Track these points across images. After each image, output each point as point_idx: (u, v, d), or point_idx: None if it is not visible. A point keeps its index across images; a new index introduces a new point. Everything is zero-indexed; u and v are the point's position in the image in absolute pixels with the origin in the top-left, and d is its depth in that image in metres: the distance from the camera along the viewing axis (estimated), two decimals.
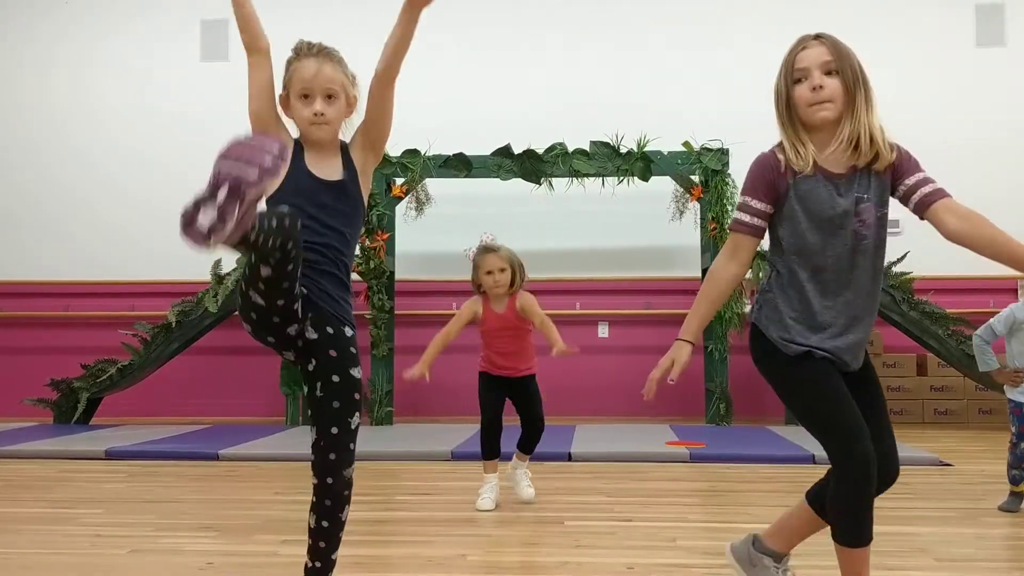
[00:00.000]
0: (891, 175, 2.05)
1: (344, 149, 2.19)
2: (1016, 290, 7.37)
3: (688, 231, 6.95)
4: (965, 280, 7.22)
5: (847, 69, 1.98)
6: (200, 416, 7.40)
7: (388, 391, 6.63)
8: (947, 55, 7.56)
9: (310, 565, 2.13)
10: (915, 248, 6.70)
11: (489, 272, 3.55)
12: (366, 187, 2.22)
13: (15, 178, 8.00)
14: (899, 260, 6.47)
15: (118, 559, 2.84)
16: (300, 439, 5.47)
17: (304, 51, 2.13)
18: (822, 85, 1.95)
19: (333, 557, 2.13)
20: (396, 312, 6.91)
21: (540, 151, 6.65)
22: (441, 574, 2.64)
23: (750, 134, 6.98)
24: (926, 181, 2.05)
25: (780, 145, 2.04)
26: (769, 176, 2.03)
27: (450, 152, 6.68)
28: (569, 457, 4.98)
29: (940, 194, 2.03)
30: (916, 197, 2.03)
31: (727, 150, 6.60)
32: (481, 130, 7.04)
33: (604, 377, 7.42)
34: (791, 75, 2.01)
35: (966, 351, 6.24)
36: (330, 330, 2.06)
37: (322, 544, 2.10)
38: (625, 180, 6.69)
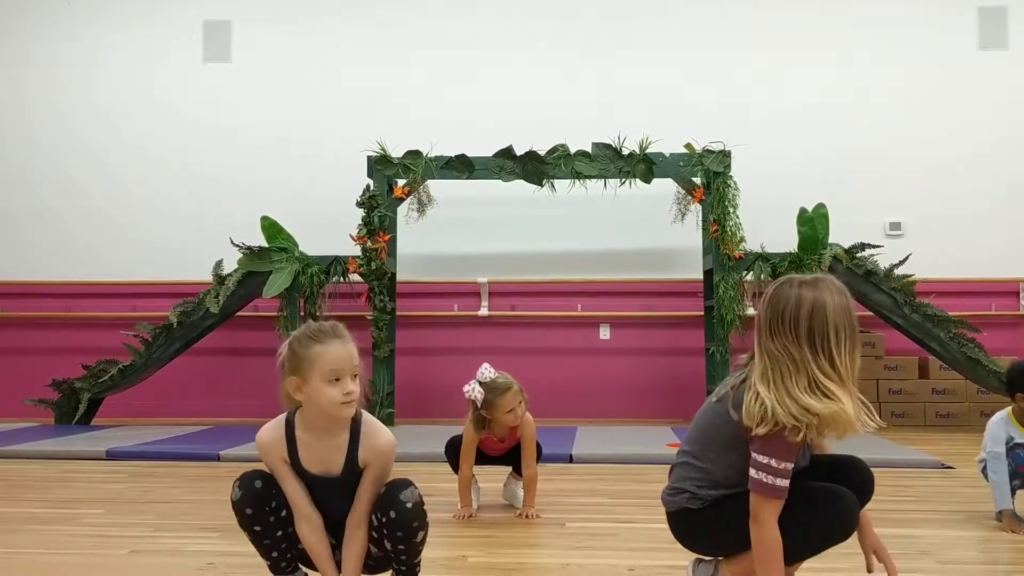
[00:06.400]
0: None
1: (355, 431, 2.23)
2: (1018, 293, 7.36)
3: (690, 233, 6.95)
4: (967, 283, 7.23)
5: None
6: (201, 417, 7.40)
7: (389, 392, 6.62)
8: (949, 58, 7.56)
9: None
10: (917, 251, 6.72)
11: (510, 411, 3.42)
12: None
13: (17, 178, 8.01)
14: (901, 263, 6.46)
15: (118, 559, 2.84)
16: None
17: (327, 334, 2.16)
18: None
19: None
20: (397, 313, 6.91)
21: (542, 153, 6.65)
22: (442, 575, 2.64)
23: (752, 136, 7.05)
24: None
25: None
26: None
27: (452, 154, 6.68)
28: (570, 459, 4.97)
29: None
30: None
31: (729, 152, 6.59)
32: (483, 132, 7.05)
33: (605, 379, 7.42)
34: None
35: (968, 354, 6.23)
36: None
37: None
38: (627, 182, 6.70)
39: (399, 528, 2.15)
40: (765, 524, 1.98)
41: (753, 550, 2.01)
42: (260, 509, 2.19)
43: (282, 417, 2.23)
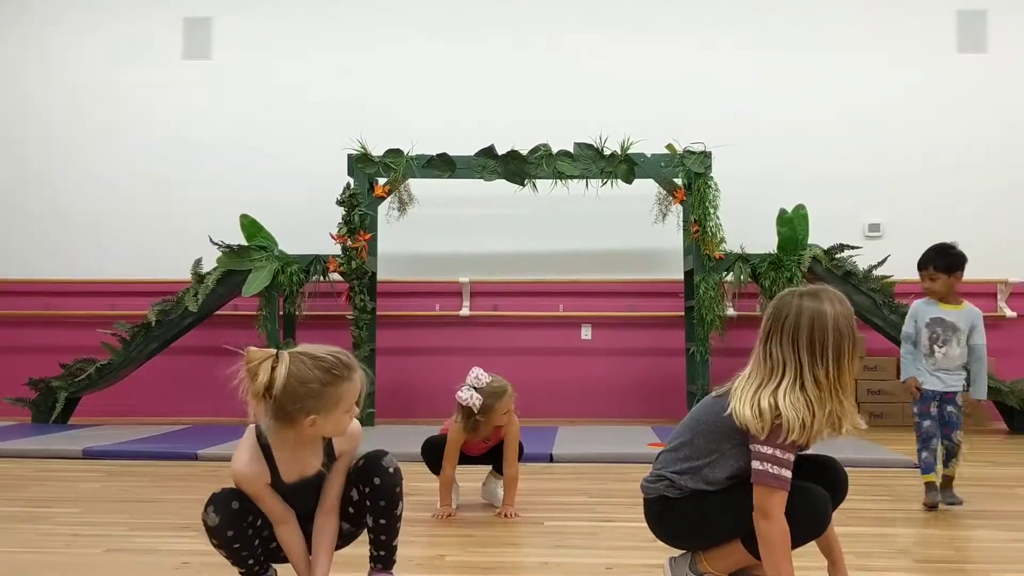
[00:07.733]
0: None
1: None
2: (995, 294, 7.43)
3: (671, 234, 6.96)
4: None
5: None
6: (179, 416, 7.35)
7: (370, 393, 6.60)
8: (929, 61, 7.62)
9: (374, 554, 2.26)
10: (896, 252, 6.75)
11: (507, 412, 3.43)
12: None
13: None
14: (880, 264, 6.51)
15: (94, 558, 2.82)
16: None
17: (349, 368, 2.15)
18: None
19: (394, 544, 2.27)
20: (378, 313, 6.89)
21: (524, 152, 6.64)
22: (420, 574, 2.63)
23: (733, 137, 7.07)
24: None
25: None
26: None
27: (433, 152, 6.66)
28: (551, 458, 4.97)
29: None
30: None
31: (710, 153, 6.61)
32: (465, 131, 7.04)
33: (587, 379, 7.43)
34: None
35: None
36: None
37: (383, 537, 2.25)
38: (608, 182, 6.70)
39: (383, 495, 2.17)
40: (775, 518, 2.00)
41: (761, 546, 2.03)
42: (240, 528, 2.15)
43: (254, 444, 2.13)
